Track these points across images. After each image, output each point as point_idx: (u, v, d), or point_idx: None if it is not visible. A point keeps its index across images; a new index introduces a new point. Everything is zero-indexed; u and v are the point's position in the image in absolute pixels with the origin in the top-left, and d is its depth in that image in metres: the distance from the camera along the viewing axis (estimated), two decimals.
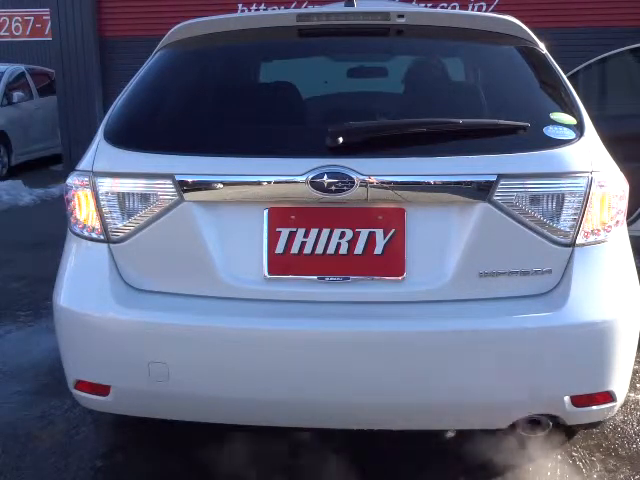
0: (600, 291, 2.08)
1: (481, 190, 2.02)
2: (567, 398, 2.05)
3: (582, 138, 2.14)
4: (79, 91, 9.94)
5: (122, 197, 2.13)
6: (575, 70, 4.90)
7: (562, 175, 2.05)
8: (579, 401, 2.06)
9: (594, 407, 2.10)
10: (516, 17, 2.45)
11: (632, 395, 2.99)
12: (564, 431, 2.42)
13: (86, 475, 2.51)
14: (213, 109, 2.33)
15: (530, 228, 2.04)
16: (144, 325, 2.10)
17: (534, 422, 2.14)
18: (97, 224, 2.17)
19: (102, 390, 2.18)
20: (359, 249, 2.05)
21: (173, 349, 2.07)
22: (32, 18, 15.41)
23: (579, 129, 2.17)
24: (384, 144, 2.08)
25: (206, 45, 2.47)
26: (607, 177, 2.10)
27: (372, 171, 2.01)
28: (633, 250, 2.23)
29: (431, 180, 2.02)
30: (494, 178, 2.01)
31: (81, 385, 2.23)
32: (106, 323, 2.13)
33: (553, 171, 2.05)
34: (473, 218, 2.03)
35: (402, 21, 2.35)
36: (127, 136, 2.24)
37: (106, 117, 2.36)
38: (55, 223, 4.00)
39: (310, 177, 2.00)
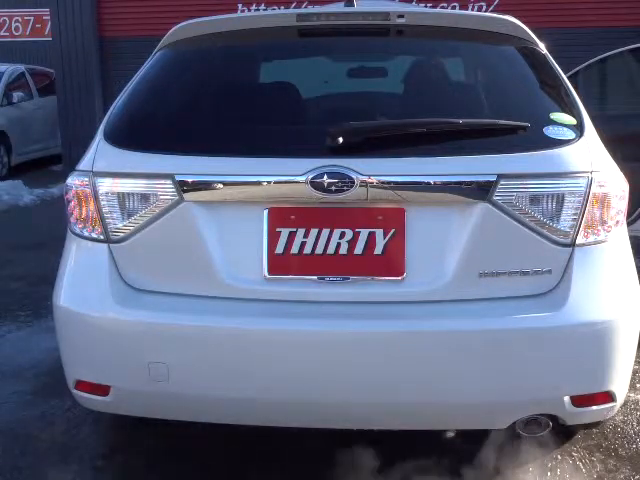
0: (600, 291, 2.08)
1: (481, 190, 2.02)
2: (567, 398, 2.05)
3: (582, 138, 2.14)
4: (79, 91, 9.95)
5: (122, 197, 2.13)
6: (575, 70, 4.89)
7: (562, 175, 2.05)
8: (579, 401, 2.06)
9: (594, 407, 2.10)
10: (516, 17, 2.45)
11: (632, 395, 2.99)
12: (564, 431, 2.42)
13: (86, 475, 2.51)
14: (213, 109, 2.33)
15: (530, 228, 2.04)
16: (144, 325, 2.10)
17: (534, 422, 2.13)
18: (97, 224, 2.17)
19: (102, 390, 2.18)
20: (359, 249, 2.05)
21: (173, 349, 2.07)
22: (32, 18, 15.39)
23: (579, 129, 2.17)
24: (384, 144, 2.08)
25: (206, 45, 2.47)
26: (607, 177, 2.10)
27: (372, 171, 2.01)
28: (633, 250, 2.23)
29: (431, 180, 2.02)
30: (494, 178, 2.01)
31: (81, 385, 2.23)
32: (106, 323, 2.13)
33: (553, 171, 2.05)
34: (473, 218, 2.03)
35: (402, 21, 2.35)
36: (127, 136, 2.24)
37: (106, 117, 2.36)
38: (55, 223, 3.99)
39: (310, 177, 2.00)
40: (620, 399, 2.14)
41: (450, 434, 2.60)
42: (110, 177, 2.15)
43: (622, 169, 2.21)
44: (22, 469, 2.54)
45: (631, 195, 2.19)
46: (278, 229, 2.07)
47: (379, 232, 2.05)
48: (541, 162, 2.05)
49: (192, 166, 2.09)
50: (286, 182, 2.04)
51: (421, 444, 2.57)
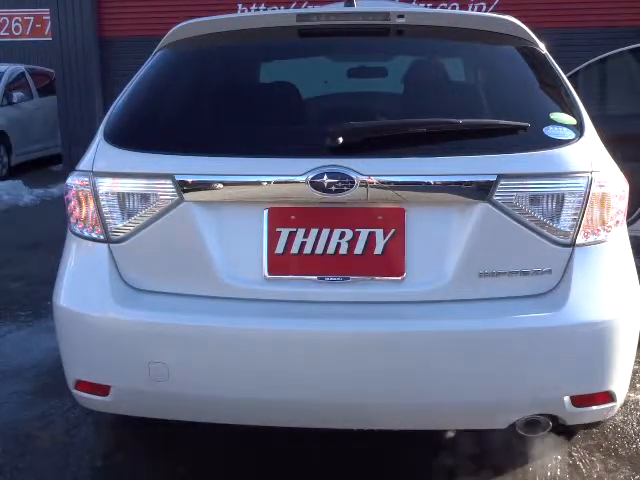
0: (600, 291, 2.08)
1: (481, 190, 2.02)
2: (567, 398, 2.05)
3: (582, 138, 2.14)
4: (79, 91, 9.95)
5: (122, 197, 2.13)
6: (575, 70, 4.90)
7: (562, 175, 2.05)
8: (579, 401, 2.06)
9: (594, 407, 2.10)
10: (516, 17, 2.45)
11: (632, 395, 2.99)
12: (564, 431, 2.42)
13: (86, 475, 2.51)
14: (213, 109, 2.33)
15: (530, 228, 2.04)
16: (144, 325, 2.10)
17: (534, 422, 2.13)
18: (97, 224, 2.17)
19: (102, 390, 2.18)
20: (359, 249, 2.05)
21: (173, 349, 2.07)
22: (32, 18, 15.39)
23: (579, 129, 2.16)
24: (384, 144, 2.08)
25: (206, 45, 2.47)
26: (607, 177, 2.10)
27: (372, 171, 2.01)
28: (633, 250, 2.23)
29: (431, 180, 2.02)
30: (494, 178, 2.01)
31: (81, 385, 2.23)
32: (106, 323, 2.13)
33: (553, 171, 2.05)
34: (473, 218, 2.03)
35: (402, 21, 2.35)
36: (127, 136, 2.24)
37: (106, 117, 2.36)
38: (55, 223, 4.00)
39: (310, 177, 2.00)
40: (620, 399, 2.14)
41: (450, 434, 2.60)
42: (110, 177, 2.15)
43: (622, 169, 2.21)
44: (22, 469, 2.54)
45: (631, 195, 2.19)
46: (278, 229, 2.07)
47: (379, 232, 2.05)
48: (541, 162, 2.05)
49: (192, 166, 2.09)
50: (286, 182, 2.04)
51: (421, 444, 2.57)
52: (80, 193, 2.19)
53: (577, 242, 2.07)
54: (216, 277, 2.09)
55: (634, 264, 2.20)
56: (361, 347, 2.02)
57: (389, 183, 2.02)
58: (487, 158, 2.04)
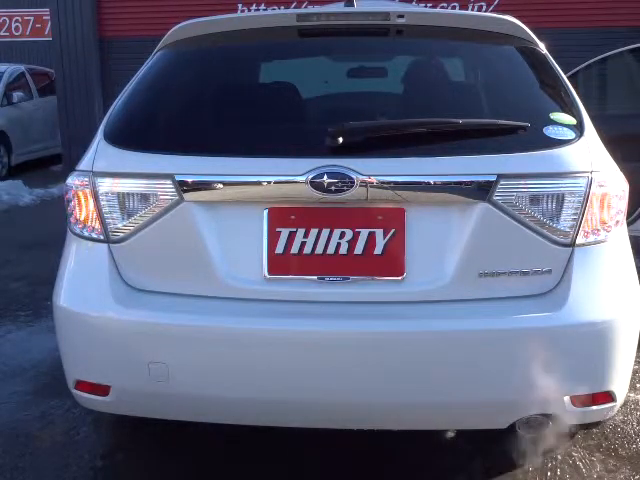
0: (600, 291, 2.08)
1: (481, 190, 2.02)
2: (567, 398, 2.05)
3: (582, 138, 2.14)
4: (79, 91, 9.94)
5: (122, 197, 2.13)
6: (575, 70, 4.90)
7: (562, 175, 2.05)
8: (579, 401, 2.06)
9: (594, 407, 2.10)
10: (516, 17, 2.45)
11: (632, 395, 2.99)
12: (564, 431, 2.42)
13: (86, 475, 2.51)
14: (213, 109, 2.33)
15: (530, 228, 2.04)
16: (144, 325, 2.10)
17: (534, 422, 2.13)
18: (97, 224, 2.17)
19: (102, 390, 2.18)
20: (359, 249, 2.05)
21: (173, 349, 2.07)
22: (32, 18, 15.39)
23: (579, 129, 2.17)
24: (384, 144, 2.08)
25: (206, 45, 2.47)
26: (607, 177, 2.10)
27: (372, 171, 2.01)
28: (633, 250, 2.23)
29: (431, 180, 2.02)
30: (494, 178, 2.01)
31: (81, 385, 2.23)
32: (106, 323, 2.13)
33: (553, 171, 2.05)
34: (473, 218, 2.03)
35: (402, 21, 2.35)
36: (127, 136, 2.24)
37: (106, 117, 2.36)
38: (55, 223, 4.00)
39: (310, 177, 2.00)
40: (620, 399, 2.14)
41: (450, 434, 2.60)
42: (110, 177, 2.15)
43: (622, 169, 2.21)
44: (22, 469, 2.54)
45: (631, 195, 2.19)
46: (278, 229, 2.07)
47: (379, 232, 2.05)
48: (541, 162, 2.05)
49: (192, 166, 2.09)
50: (286, 182, 2.04)
51: (421, 444, 2.57)
52: (80, 193, 2.19)
53: (577, 242, 2.07)
54: (216, 277, 2.09)
55: (634, 264, 2.20)
56: (361, 347, 2.02)
57: (389, 183, 2.02)
58: (487, 158, 2.04)
